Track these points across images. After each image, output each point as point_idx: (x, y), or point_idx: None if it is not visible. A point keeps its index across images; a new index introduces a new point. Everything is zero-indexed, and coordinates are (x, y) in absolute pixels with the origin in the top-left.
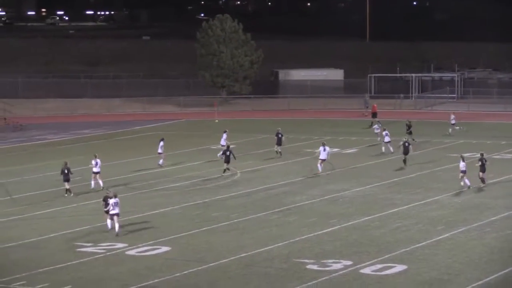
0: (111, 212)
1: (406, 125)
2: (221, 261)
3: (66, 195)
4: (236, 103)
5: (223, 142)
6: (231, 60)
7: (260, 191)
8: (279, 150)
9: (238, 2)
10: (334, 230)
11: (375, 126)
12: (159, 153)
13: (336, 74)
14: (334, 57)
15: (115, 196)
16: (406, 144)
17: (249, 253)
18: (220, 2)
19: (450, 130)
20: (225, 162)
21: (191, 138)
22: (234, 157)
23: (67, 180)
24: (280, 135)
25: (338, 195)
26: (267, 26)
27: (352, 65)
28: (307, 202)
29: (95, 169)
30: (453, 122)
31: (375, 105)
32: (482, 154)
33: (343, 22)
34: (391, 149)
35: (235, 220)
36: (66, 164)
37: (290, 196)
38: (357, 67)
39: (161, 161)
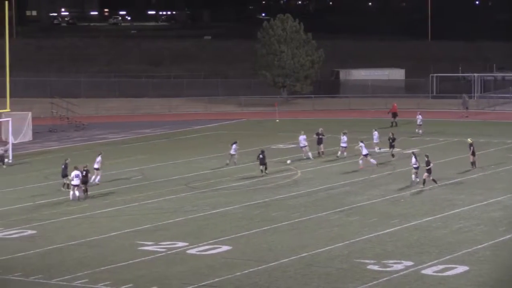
0: (72, 183)
1: (390, 138)
2: (281, 261)
3: (63, 189)
4: (297, 103)
5: (303, 142)
6: (292, 60)
7: (320, 191)
8: (262, 169)
9: (299, 2)
10: (395, 231)
11: (374, 132)
12: (232, 154)
13: (397, 74)
14: (395, 56)
15: (79, 170)
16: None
17: (309, 253)
18: (281, 1)
19: (420, 131)
20: (260, 164)
21: (252, 137)
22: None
23: (65, 175)
24: (262, 156)
25: (399, 195)
26: (328, 25)
27: (414, 65)
28: (368, 202)
29: (96, 166)
30: (420, 123)
31: (396, 104)
32: (427, 156)
33: (404, 22)
34: (345, 154)
35: (296, 220)
36: (66, 160)
37: (351, 196)
38: (418, 67)
39: (233, 160)
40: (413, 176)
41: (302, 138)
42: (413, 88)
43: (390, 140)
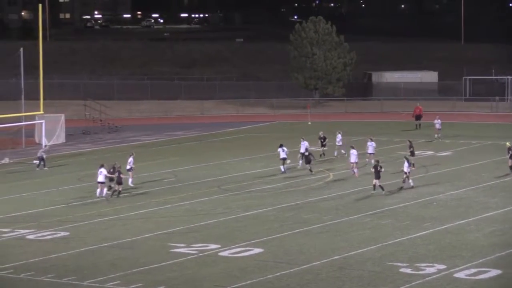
0: (97, 180)
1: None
2: (313, 263)
3: (126, 193)
4: (329, 105)
5: (302, 149)
6: (324, 62)
7: (352, 194)
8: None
9: (332, 4)
10: (427, 234)
11: (338, 135)
12: (282, 159)
13: (430, 76)
14: (428, 59)
15: (103, 167)
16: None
17: (341, 255)
18: (313, 4)
19: (439, 135)
20: (306, 163)
21: (284, 140)
22: (314, 158)
23: (118, 182)
24: (307, 154)
25: (432, 198)
26: (361, 28)
27: (447, 67)
28: (400, 205)
29: (128, 167)
30: (439, 127)
31: (421, 107)
32: (377, 161)
33: (437, 24)
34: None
35: (328, 223)
36: (114, 165)
37: (383, 199)
38: (451, 69)
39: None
40: (408, 181)
41: (303, 144)
42: (446, 91)
43: (410, 148)
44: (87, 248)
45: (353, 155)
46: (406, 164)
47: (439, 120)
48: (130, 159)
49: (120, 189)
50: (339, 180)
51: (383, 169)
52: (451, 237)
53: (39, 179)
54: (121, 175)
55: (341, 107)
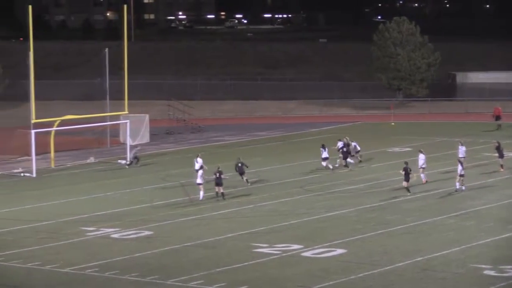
0: (196, 182)
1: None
2: (396, 265)
3: (218, 198)
4: (413, 106)
5: (461, 154)
6: (407, 63)
7: (436, 195)
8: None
9: (416, 4)
10: None
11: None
12: (324, 158)
13: None
14: None
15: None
16: None
17: (425, 257)
18: (397, 4)
19: None
20: (343, 159)
21: (367, 141)
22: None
23: (218, 183)
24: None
25: None
26: (445, 28)
27: None
28: (484, 206)
29: (197, 167)
30: None
31: (500, 107)
32: (406, 163)
33: None
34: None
35: (411, 224)
36: (218, 168)
37: (467, 200)
38: None
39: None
40: (457, 184)
41: (340, 143)
42: None
43: (500, 150)
44: (171, 247)
45: (421, 159)
46: (460, 167)
47: None
48: (200, 160)
49: (222, 190)
50: (423, 181)
51: (412, 172)
52: None
53: (123, 178)
54: (222, 176)
55: (425, 107)
